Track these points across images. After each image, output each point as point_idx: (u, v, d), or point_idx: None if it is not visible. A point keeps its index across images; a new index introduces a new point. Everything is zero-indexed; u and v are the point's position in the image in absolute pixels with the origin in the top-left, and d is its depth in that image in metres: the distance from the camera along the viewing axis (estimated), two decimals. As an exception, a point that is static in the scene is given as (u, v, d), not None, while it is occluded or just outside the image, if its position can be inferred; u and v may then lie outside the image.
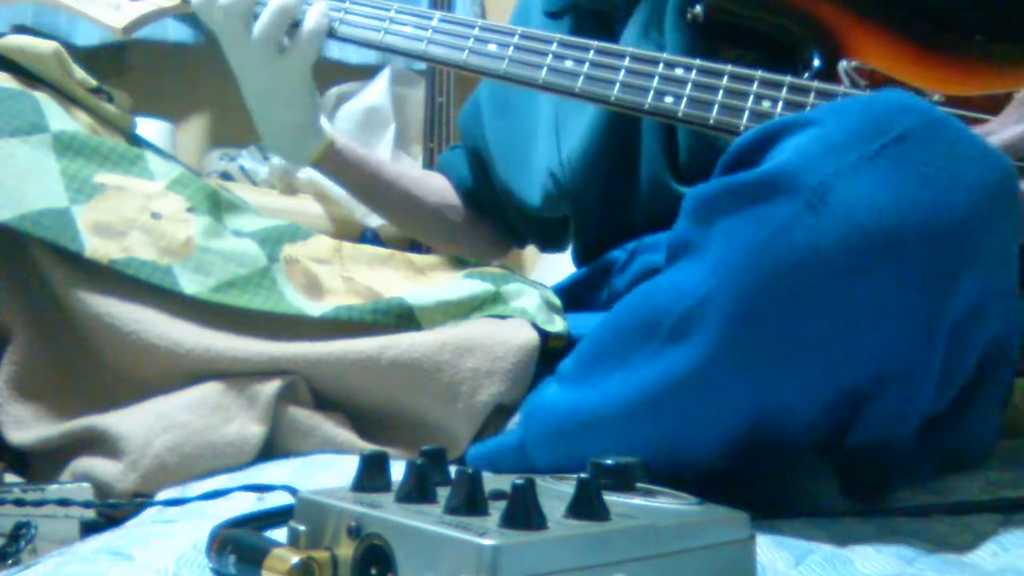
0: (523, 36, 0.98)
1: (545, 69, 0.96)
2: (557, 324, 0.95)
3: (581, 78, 0.95)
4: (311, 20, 1.00)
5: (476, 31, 0.99)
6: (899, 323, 0.65)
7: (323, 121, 1.12)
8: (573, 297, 1.07)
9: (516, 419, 0.90)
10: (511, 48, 0.98)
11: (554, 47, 0.96)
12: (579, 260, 1.18)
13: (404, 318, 0.89)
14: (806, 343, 0.65)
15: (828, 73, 0.92)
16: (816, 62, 0.93)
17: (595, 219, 1.12)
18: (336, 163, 1.14)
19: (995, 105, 0.86)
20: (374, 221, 2.28)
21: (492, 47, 0.99)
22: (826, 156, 0.64)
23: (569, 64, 0.96)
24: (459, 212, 1.27)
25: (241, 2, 0.99)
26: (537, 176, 1.14)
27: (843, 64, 0.92)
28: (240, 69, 1.03)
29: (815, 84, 0.89)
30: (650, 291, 0.73)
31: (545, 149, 1.13)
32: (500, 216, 1.26)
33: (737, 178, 0.67)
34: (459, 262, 1.02)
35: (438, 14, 1.02)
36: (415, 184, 1.25)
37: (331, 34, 1.02)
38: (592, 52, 0.95)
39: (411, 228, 1.32)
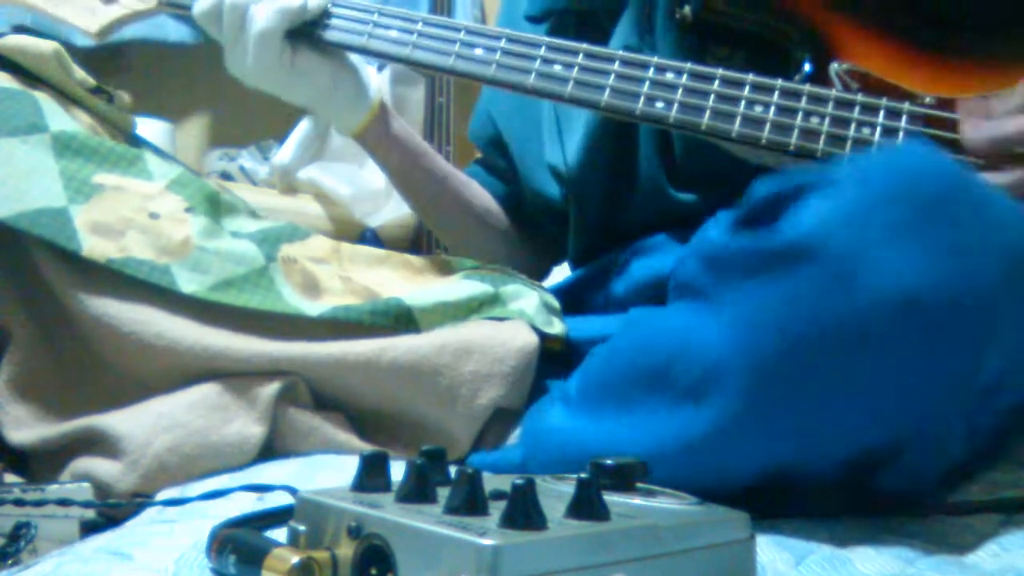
0: (510, 40, 0.96)
1: (533, 74, 0.94)
2: (556, 326, 0.95)
3: (571, 83, 0.93)
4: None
5: (462, 35, 0.97)
6: (923, 392, 0.64)
7: (373, 89, 1.08)
8: (572, 299, 1.07)
9: (517, 433, 0.89)
10: (498, 52, 0.96)
11: (542, 51, 0.95)
12: (575, 262, 1.17)
13: (402, 319, 0.89)
14: (828, 410, 0.65)
15: (819, 75, 0.91)
16: (807, 64, 0.92)
17: (594, 221, 1.11)
18: (381, 134, 1.10)
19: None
20: (374, 221, 2.28)
21: (479, 51, 0.97)
22: (850, 226, 0.63)
23: (558, 68, 0.94)
24: (503, 219, 1.24)
25: (277, 27, 0.97)
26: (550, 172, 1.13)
27: (835, 66, 0.91)
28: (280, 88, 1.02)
29: (807, 88, 0.89)
30: (659, 332, 0.73)
31: (550, 148, 1.13)
32: (540, 221, 1.22)
33: (758, 243, 0.66)
34: (457, 263, 1.02)
35: (422, 17, 1.00)
36: (465, 184, 1.20)
37: (314, 39, 1.00)
38: (581, 56, 0.94)
39: (456, 229, 1.24)
